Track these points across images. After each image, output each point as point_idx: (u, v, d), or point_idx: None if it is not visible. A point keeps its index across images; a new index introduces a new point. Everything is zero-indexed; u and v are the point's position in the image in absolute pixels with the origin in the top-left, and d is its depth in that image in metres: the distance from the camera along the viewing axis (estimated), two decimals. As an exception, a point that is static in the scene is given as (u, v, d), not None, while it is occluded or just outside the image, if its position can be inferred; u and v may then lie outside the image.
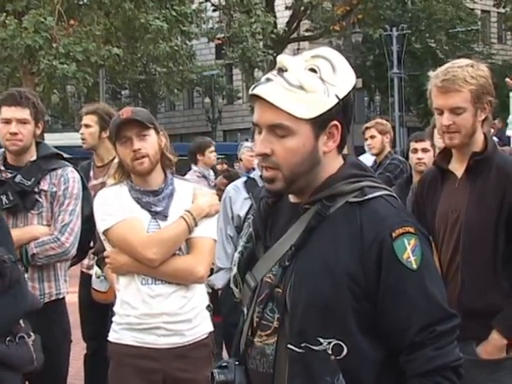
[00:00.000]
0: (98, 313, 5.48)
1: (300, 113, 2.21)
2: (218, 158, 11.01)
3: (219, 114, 40.73)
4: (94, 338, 5.79)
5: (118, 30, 24.33)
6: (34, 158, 4.55)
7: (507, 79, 12.36)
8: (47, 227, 4.48)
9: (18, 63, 23.58)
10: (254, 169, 7.61)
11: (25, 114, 4.45)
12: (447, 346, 2.22)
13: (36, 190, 4.48)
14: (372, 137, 7.53)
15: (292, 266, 2.26)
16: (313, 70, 2.23)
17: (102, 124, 5.76)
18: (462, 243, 3.48)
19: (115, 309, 3.96)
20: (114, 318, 3.96)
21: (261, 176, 2.32)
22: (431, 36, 40.90)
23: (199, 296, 3.95)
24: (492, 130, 5.01)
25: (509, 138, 11.50)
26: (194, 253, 3.89)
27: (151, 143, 3.84)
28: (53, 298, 4.54)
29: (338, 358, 2.20)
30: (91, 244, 4.88)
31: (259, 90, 2.22)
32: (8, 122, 4.45)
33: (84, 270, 5.89)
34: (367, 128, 7.64)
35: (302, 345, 2.21)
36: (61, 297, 4.60)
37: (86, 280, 5.72)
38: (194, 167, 9.00)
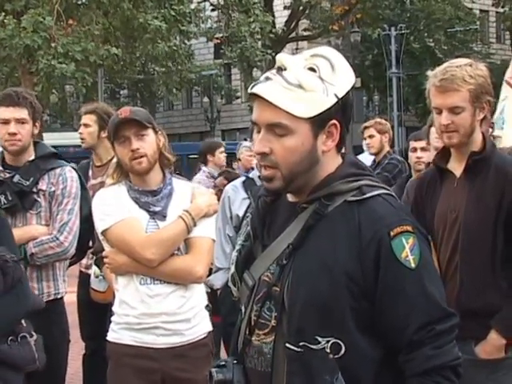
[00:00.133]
0: (96, 312, 5.48)
1: (299, 112, 2.20)
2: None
3: (218, 114, 40.74)
4: (92, 337, 5.79)
5: (116, 30, 24.32)
6: (32, 157, 4.55)
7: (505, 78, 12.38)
8: (46, 227, 4.48)
9: (16, 63, 23.58)
10: (252, 168, 7.60)
11: (23, 113, 4.45)
12: (446, 345, 2.21)
13: (34, 189, 4.48)
14: (371, 136, 7.54)
15: (290, 264, 2.26)
16: (312, 69, 2.23)
17: (100, 123, 5.76)
18: (460, 243, 3.48)
19: (114, 308, 3.96)
20: (112, 318, 3.96)
21: (259, 176, 2.32)
22: (430, 35, 40.94)
23: (198, 296, 3.95)
24: (490, 130, 5.00)
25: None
26: (193, 253, 3.89)
27: (149, 143, 3.84)
28: (51, 298, 4.54)
29: (336, 356, 2.20)
30: (90, 244, 4.88)
31: (258, 89, 2.22)
32: (6, 122, 4.45)
33: (83, 270, 5.89)
34: (366, 127, 7.64)
35: (301, 343, 2.21)
36: (59, 296, 4.60)
37: (84, 280, 5.73)
38: (203, 168, 9.01)
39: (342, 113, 2.26)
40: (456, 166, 3.57)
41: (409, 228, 2.24)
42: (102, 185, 5.04)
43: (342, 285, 2.20)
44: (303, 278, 2.23)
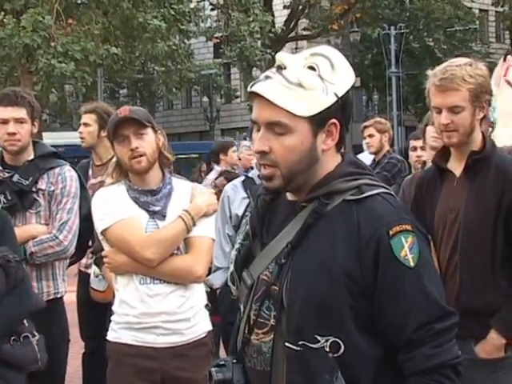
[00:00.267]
0: (96, 312, 5.48)
1: (298, 110, 2.20)
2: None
3: (217, 113, 40.75)
4: (92, 337, 5.79)
5: (116, 29, 24.31)
6: (32, 157, 4.55)
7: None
8: (45, 226, 4.48)
9: (16, 62, 23.56)
10: (252, 168, 7.60)
11: (22, 113, 4.45)
12: (446, 344, 2.21)
13: (34, 189, 4.48)
14: (370, 135, 7.53)
15: (288, 263, 2.26)
16: (312, 68, 2.23)
17: (100, 123, 5.76)
18: (460, 242, 3.48)
19: (114, 308, 3.96)
20: (112, 318, 3.96)
21: (259, 175, 2.32)
22: (429, 35, 40.91)
23: (198, 295, 3.95)
24: (490, 129, 4.99)
25: None
26: (193, 252, 3.88)
27: (149, 142, 3.84)
28: (51, 297, 4.53)
29: (335, 355, 2.19)
30: (90, 243, 4.88)
31: (258, 88, 2.22)
32: (5, 122, 4.44)
33: (82, 269, 5.88)
34: (366, 127, 7.64)
35: (300, 342, 2.21)
36: (59, 296, 4.60)
37: (84, 279, 5.72)
38: (216, 167, 9.01)
39: (342, 112, 2.26)
40: (456, 166, 3.56)
41: (408, 227, 2.23)
42: (101, 184, 5.03)
43: (341, 284, 2.19)
44: (302, 277, 2.23)
